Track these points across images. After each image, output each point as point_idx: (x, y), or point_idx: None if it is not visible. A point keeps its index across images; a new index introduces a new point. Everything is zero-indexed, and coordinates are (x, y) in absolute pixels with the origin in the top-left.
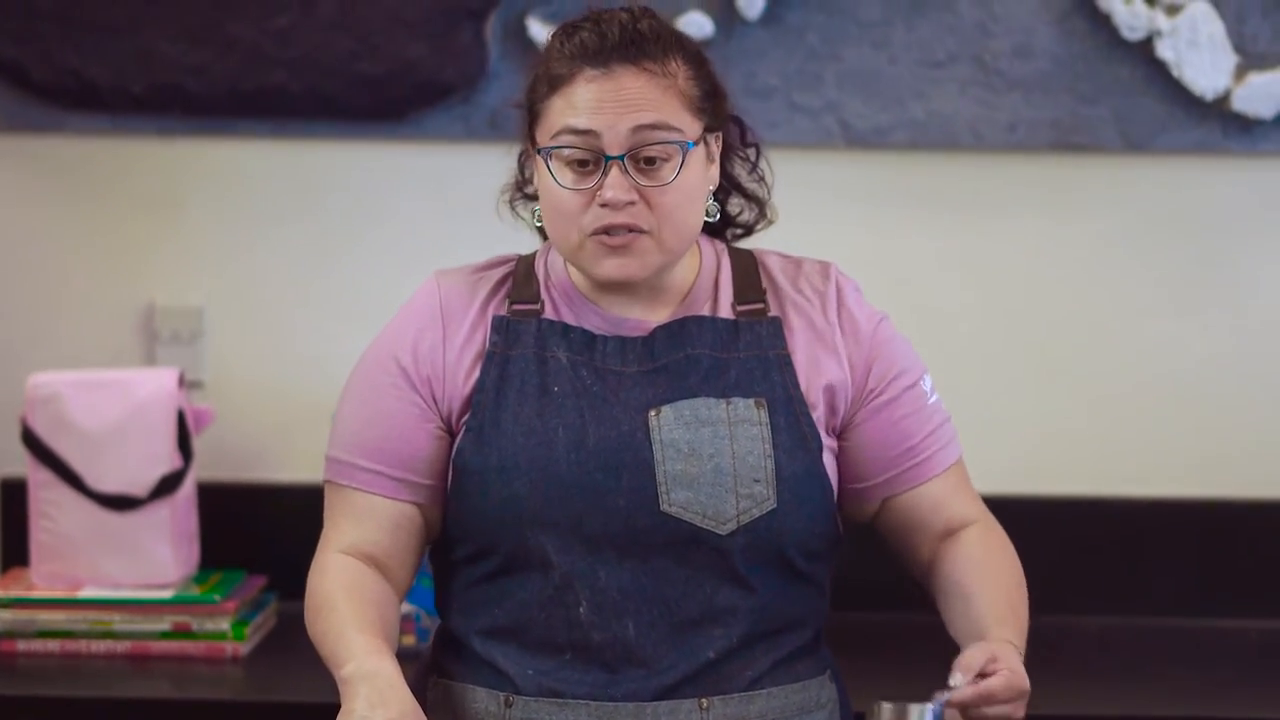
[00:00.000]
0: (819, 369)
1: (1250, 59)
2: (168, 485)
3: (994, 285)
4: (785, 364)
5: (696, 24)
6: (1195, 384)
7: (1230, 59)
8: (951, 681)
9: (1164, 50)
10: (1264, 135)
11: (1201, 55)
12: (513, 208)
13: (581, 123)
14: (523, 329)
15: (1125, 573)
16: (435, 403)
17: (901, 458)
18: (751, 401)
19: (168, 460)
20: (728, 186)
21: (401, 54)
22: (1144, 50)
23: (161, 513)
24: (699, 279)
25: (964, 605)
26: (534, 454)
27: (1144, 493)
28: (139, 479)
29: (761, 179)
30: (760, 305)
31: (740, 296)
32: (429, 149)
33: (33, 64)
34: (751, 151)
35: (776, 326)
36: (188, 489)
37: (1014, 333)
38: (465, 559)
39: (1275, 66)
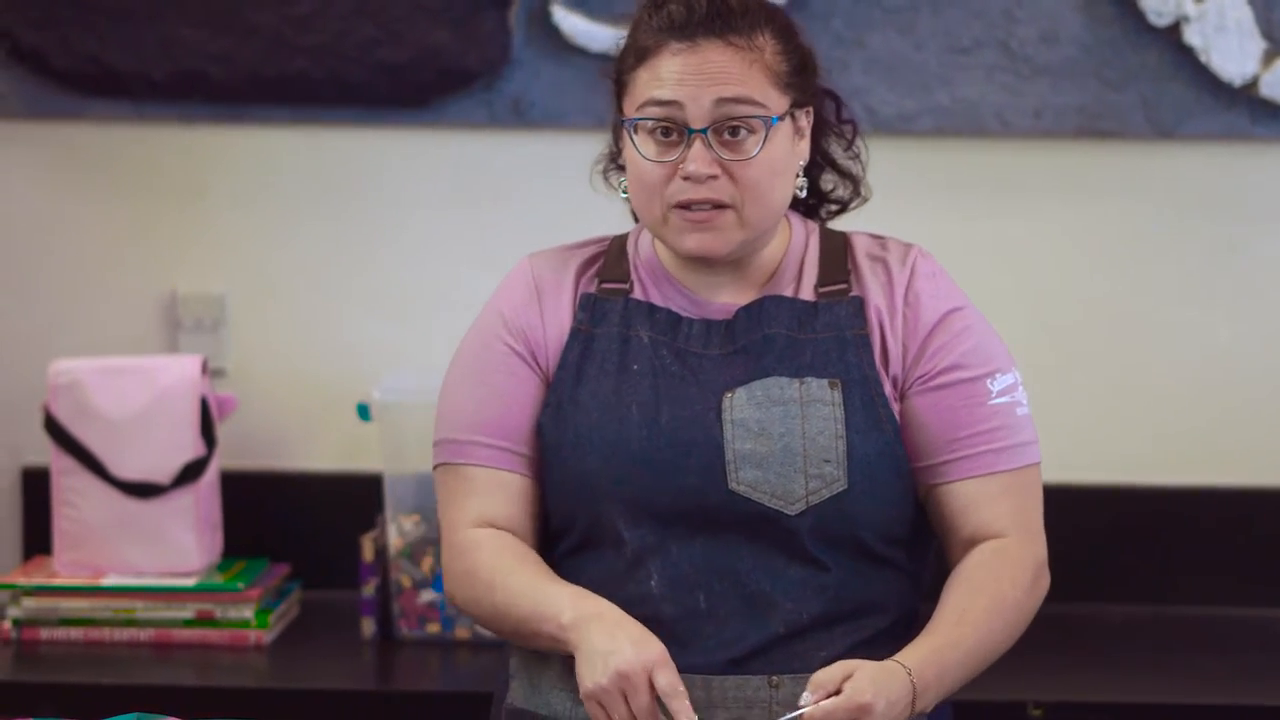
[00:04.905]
0: (889, 350)
1: (1278, 45)
2: (191, 473)
3: (1019, 271)
4: (863, 345)
5: None
6: (1221, 370)
7: (1258, 44)
8: (801, 700)
9: (1191, 36)
10: None
11: (1229, 41)
12: (605, 178)
13: (665, 94)
14: (609, 307)
15: (1149, 561)
16: (543, 372)
17: (942, 448)
18: (825, 382)
19: (191, 447)
20: (821, 162)
21: (424, 40)
22: (1171, 36)
23: (184, 500)
24: (785, 259)
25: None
26: (607, 430)
27: (1170, 481)
28: (162, 466)
29: (856, 156)
30: (843, 286)
31: (824, 278)
32: (451, 136)
33: (53, 50)
34: (848, 128)
35: (857, 306)
36: (211, 476)
37: (1039, 319)
38: (545, 538)
39: None
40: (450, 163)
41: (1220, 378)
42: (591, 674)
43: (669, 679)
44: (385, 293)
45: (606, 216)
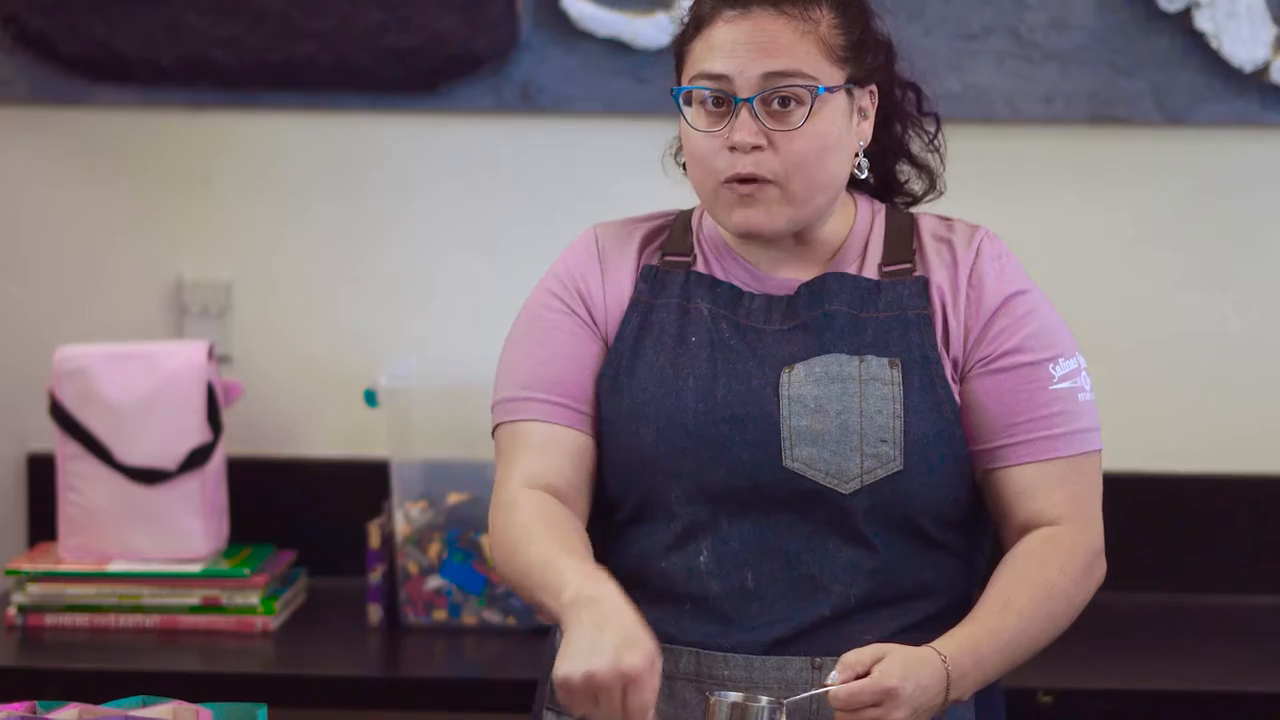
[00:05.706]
0: (950, 331)
1: None
2: (197, 458)
3: (1029, 258)
4: (925, 325)
5: None
6: (1232, 358)
7: (1269, 30)
8: (828, 679)
9: (1202, 21)
10: None
11: (1240, 26)
12: (677, 161)
13: (716, 67)
14: (670, 279)
15: (1160, 548)
16: (602, 335)
17: (1000, 432)
18: (885, 360)
19: (197, 433)
20: (897, 152)
21: (432, 25)
22: (1182, 21)
23: (190, 486)
24: (850, 238)
25: None
26: (662, 403)
27: (1180, 468)
28: (168, 452)
29: (936, 150)
30: (907, 266)
31: (889, 257)
32: (460, 121)
33: (61, 36)
34: (929, 120)
35: (920, 286)
36: (217, 462)
37: None
38: (599, 509)
39: None
40: (458, 148)
41: (1231, 364)
42: (567, 664)
43: (640, 701)
44: (392, 279)
45: (615, 203)
